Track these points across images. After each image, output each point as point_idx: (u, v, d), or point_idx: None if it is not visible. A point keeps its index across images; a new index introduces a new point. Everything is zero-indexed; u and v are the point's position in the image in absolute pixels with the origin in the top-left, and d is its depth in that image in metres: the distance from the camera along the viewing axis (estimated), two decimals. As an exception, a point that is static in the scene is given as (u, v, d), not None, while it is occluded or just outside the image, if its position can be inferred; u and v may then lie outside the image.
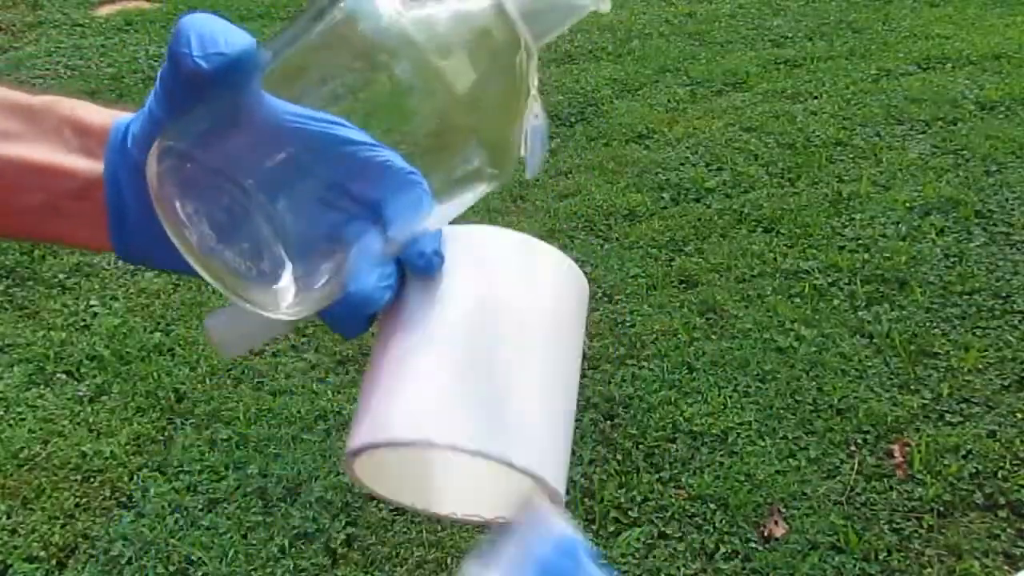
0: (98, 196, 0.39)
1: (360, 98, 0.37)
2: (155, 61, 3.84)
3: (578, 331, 0.43)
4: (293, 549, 1.66)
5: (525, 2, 0.37)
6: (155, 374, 2.10)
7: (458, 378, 0.37)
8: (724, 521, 1.67)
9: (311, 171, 0.37)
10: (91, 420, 1.98)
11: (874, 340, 2.08)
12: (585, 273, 0.44)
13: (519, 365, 0.39)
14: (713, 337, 2.14)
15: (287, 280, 0.39)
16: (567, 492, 0.39)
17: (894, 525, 1.65)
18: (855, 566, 1.58)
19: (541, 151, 0.41)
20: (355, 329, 0.40)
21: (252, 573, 1.63)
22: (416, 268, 0.39)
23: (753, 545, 1.63)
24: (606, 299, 2.29)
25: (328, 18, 0.36)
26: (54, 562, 1.67)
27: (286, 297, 0.39)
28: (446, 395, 0.37)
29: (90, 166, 0.40)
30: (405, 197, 0.38)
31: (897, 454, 1.79)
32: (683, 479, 1.76)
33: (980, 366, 1.98)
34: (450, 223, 0.41)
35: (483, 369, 0.38)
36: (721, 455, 1.81)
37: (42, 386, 2.09)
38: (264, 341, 0.45)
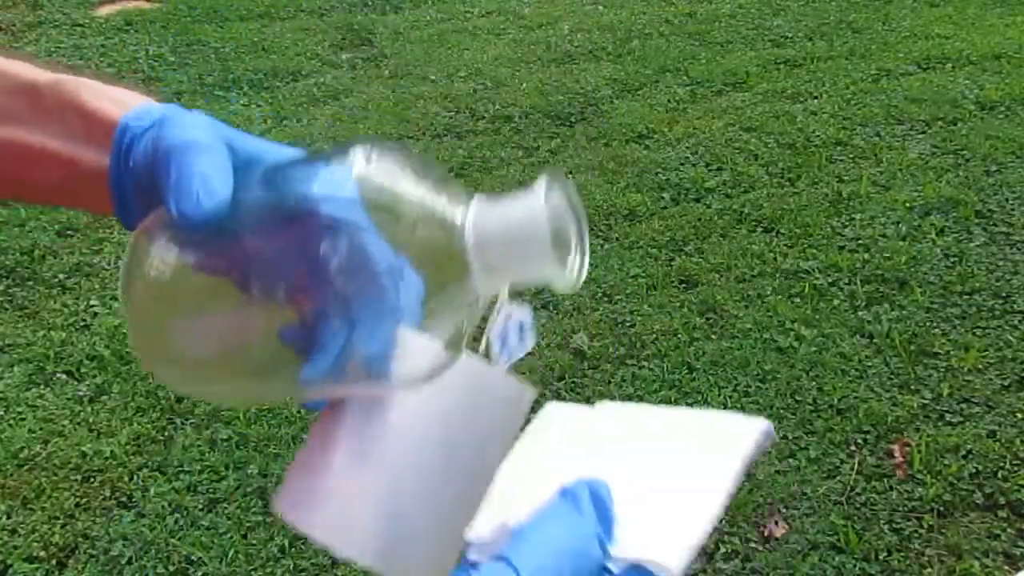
0: (104, 183, 0.40)
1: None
2: (155, 61, 3.84)
3: (500, 449, 0.45)
4: (293, 549, 1.66)
5: (486, 244, 0.36)
6: (155, 374, 2.10)
7: (378, 500, 0.40)
8: (724, 521, 1.67)
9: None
10: (91, 420, 1.98)
11: (874, 340, 2.08)
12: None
13: (429, 492, 0.41)
14: (713, 337, 2.14)
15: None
16: None
17: (894, 525, 1.65)
18: (855, 566, 1.58)
19: (521, 341, 0.43)
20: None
21: (252, 573, 1.63)
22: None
23: (753, 545, 1.63)
24: (606, 299, 2.29)
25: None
26: (54, 562, 1.67)
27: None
28: (360, 510, 0.40)
29: (93, 158, 0.41)
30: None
31: (897, 454, 1.79)
32: (683, 479, 1.76)
33: (980, 366, 1.98)
34: None
35: (399, 493, 0.41)
36: (721, 455, 1.81)
37: (42, 386, 2.09)
38: None
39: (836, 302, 2.22)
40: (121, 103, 0.41)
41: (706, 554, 1.62)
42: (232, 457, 1.87)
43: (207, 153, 0.36)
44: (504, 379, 0.43)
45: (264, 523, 1.72)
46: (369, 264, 0.35)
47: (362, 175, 0.36)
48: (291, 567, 1.63)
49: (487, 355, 0.43)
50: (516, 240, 0.36)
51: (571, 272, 0.38)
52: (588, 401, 2.07)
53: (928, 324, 2.11)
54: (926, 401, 1.90)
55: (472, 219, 0.36)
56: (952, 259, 2.34)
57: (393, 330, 0.36)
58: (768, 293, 2.27)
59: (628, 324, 2.19)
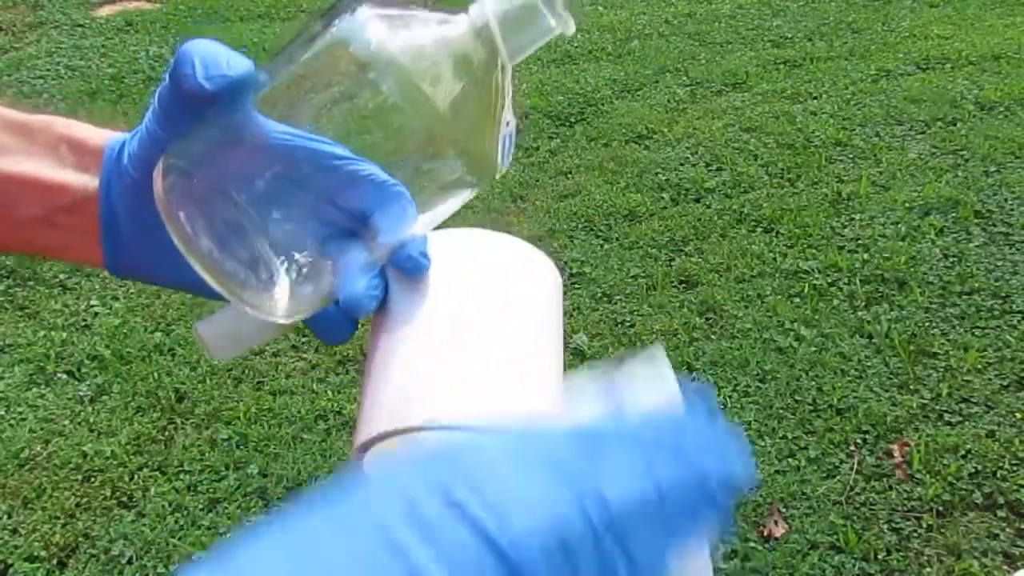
0: (90, 210, 0.41)
1: (348, 116, 0.39)
2: (155, 61, 3.84)
3: (555, 319, 0.44)
4: (293, 549, 1.66)
5: (502, 24, 0.40)
6: (155, 374, 2.10)
7: (444, 363, 0.39)
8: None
9: (301, 186, 0.40)
10: (92, 420, 1.99)
11: (874, 340, 2.08)
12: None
13: (503, 349, 0.40)
14: (713, 337, 2.14)
15: (282, 289, 0.41)
16: None
17: (893, 525, 1.65)
18: (855, 566, 1.58)
19: (511, 152, 0.44)
20: (341, 335, 0.43)
21: (252, 573, 1.63)
22: (405, 271, 0.41)
23: (753, 545, 1.63)
24: (606, 299, 2.29)
25: (320, 42, 0.39)
26: (55, 562, 1.67)
27: (280, 304, 0.41)
28: (434, 379, 0.38)
29: (84, 181, 0.41)
30: (390, 208, 0.40)
31: (896, 454, 1.79)
32: (683, 479, 1.76)
33: (979, 366, 1.98)
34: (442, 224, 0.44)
35: (468, 353, 0.39)
36: (721, 455, 1.81)
37: (43, 386, 2.10)
38: (252, 345, 0.47)
39: (836, 302, 2.22)
40: (113, 135, 0.42)
41: (706, 554, 1.62)
42: (232, 457, 1.87)
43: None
44: (526, 251, 0.45)
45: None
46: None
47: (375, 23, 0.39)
48: (291, 567, 1.63)
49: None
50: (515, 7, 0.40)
51: (563, 12, 0.40)
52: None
53: (927, 324, 2.12)
54: (925, 401, 1.91)
55: (486, 9, 0.40)
56: (951, 259, 2.34)
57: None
58: (768, 293, 2.27)
59: (628, 324, 2.19)
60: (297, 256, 0.41)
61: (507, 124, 0.42)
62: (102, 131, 0.43)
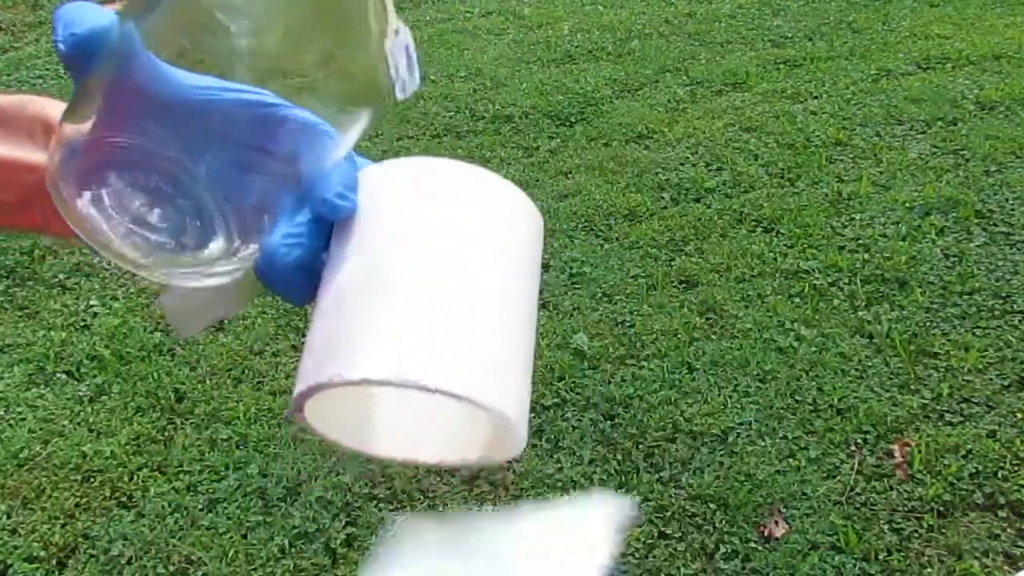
0: None
1: (223, 52, 0.37)
2: (155, 61, 3.84)
3: (531, 258, 0.39)
4: (293, 549, 1.66)
5: None
6: (155, 374, 2.10)
7: (385, 312, 0.34)
8: (724, 521, 1.67)
9: (226, 138, 0.37)
10: (91, 420, 1.98)
11: (874, 340, 2.08)
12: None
13: (461, 290, 0.35)
14: (713, 337, 2.14)
15: (217, 248, 0.38)
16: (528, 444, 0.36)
17: (894, 525, 1.65)
18: (855, 566, 1.58)
19: (410, 70, 0.40)
20: (291, 291, 0.38)
21: (252, 573, 1.63)
22: (322, 214, 0.37)
23: (753, 545, 1.63)
24: (606, 299, 2.29)
25: None
26: (54, 562, 1.67)
27: (213, 266, 0.39)
28: (371, 331, 0.34)
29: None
30: (310, 144, 0.38)
31: (897, 454, 1.79)
32: (683, 479, 1.76)
33: (980, 366, 1.98)
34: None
35: (414, 298, 0.34)
36: (721, 455, 1.81)
37: (42, 386, 2.09)
38: (218, 319, 0.43)
39: (836, 302, 2.22)
40: None
41: (706, 554, 1.62)
42: (232, 457, 1.87)
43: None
44: (497, 181, 0.40)
45: (264, 523, 1.72)
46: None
47: None
48: (291, 567, 1.63)
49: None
50: None
51: None
52: (588, 402, 2.05)
53: (928, 324, 2.12)
54: (926, 401, 1.90)
55: None
56: (952, 259, 2.34)
57: None
58: (768, 293, 2.27)
59: (628, 324, 2.19)
60: (229, 210, 0.38)
61: (396, 33, 0.39)
62: None
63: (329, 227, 0.38)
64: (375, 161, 0.40)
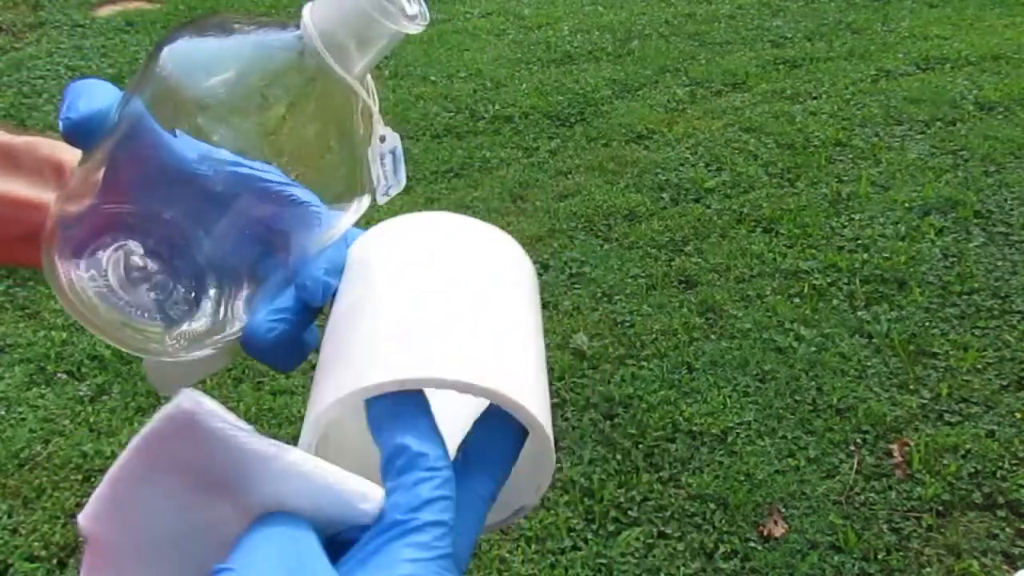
0: None
1: (218, 128, 0.37)
2: (155, 61, 3.84)
3: (529, 295, 0.40)
4: (294, 549, 1.66)
5: (328, 39, 0.37)
6: (156, 374, 2.10)
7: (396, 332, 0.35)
8: (724, 521, 1.68)
9: (225, 208, 0.38)
10: (92, 420, 1.99)
11: (873, 340, 2.08)
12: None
13: (499, 323, 0.37)
14: (713, 337, 2.14)
15: (201, 325, 0.39)
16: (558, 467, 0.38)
17: (893, 525, 1.65)
18: (854, 566, 1.58)
19: (396, 173, 0.41)
20: (276, 364, 0.39)
21: (253, 572, 1.63)
22: (304, 298, 0.39)
23: (752, 544, 1.63)
24: (606, 299, 2.29)
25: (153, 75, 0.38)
26: (55, 561, 1.67)
27: (200, 341, 0.39)
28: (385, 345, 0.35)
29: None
30: (301, 226, 0.38)
31: (896, 454, 1.80)
32: (683, 479, 1.77)
33: (979, 366, 1.99)
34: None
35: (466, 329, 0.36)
36: (721, 455, 1.81)
37: (43, 386, 2.10)
38: (202, 377, 0.43)
39: (835, 302, 2.22)
40: None
41: (705, 553, 1.63)
42: (232, 457, 1.87)
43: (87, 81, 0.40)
44: (486, 229, 0.41)
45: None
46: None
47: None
48: (291, 567, 1.63)
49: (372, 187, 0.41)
50: (348, 8, 0.36)
51: (411, 9, 0.37)
52: (588, 402, 2.06)
53: (927, 324, 2.12)
54: (925, 401, 1.91)
55: (307, 20, 0.37)
56: (951, 259, 2.34)
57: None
58: (767, 293, 2.27)
59: (628, 324, 2.20)
60: (222, 277, 0.39)
61: (382, 140, 0.40)
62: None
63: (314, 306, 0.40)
64: None
